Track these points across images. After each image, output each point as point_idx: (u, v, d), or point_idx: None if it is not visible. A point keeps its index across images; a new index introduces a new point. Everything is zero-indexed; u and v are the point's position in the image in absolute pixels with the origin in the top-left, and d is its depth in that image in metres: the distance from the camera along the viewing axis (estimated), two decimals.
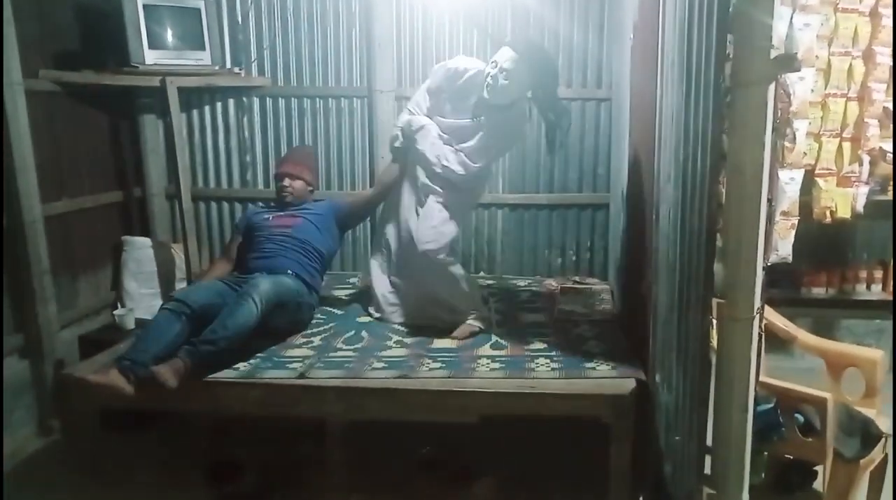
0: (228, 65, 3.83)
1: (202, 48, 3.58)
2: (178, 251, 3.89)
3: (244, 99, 3.94)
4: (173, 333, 2.53)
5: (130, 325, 3.38)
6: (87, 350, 3.10)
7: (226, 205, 4.08)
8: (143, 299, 3.71)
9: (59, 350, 3.20)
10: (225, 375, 2.50)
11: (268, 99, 3.94)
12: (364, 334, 2.95)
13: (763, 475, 2.17)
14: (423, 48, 3.82)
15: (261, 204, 3.60)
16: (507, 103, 2.83)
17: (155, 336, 2.52)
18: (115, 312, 3.51)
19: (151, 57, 3.36)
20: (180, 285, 3.82)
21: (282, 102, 3.94)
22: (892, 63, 2.85)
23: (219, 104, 3.96)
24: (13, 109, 2.94)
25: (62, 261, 3.35)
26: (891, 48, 2.85)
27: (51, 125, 3.29)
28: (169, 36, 3.46)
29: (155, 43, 3.38)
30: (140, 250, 3.79)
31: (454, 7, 3.72)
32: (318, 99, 3.92)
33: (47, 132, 3.25)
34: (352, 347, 2.80)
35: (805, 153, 2.74)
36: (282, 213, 3.22)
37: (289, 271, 2.95)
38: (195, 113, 3.97)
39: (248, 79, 3.87)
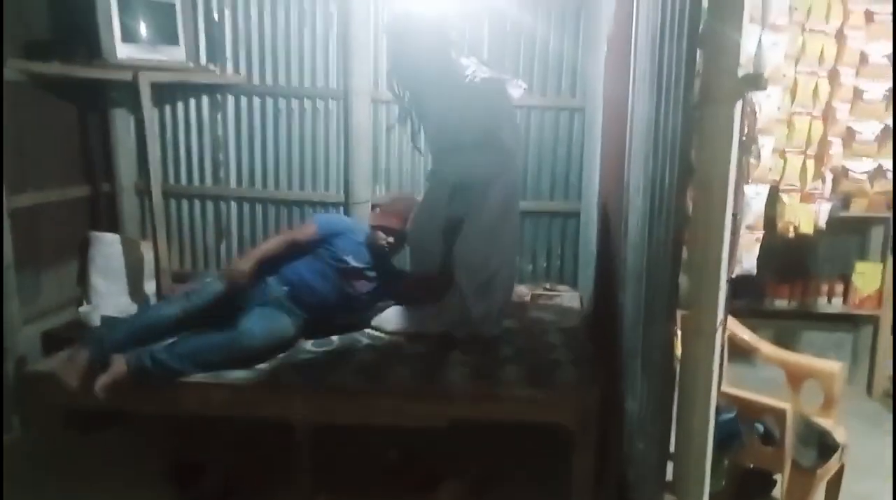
0: (203, 61, 3.79)
1: (176, 43, 3.54)
2: (146, 248, 3.82)
3: (218, 96, 3.90)
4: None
5: (96, 322, 3.33)
6: (51, 347, 3.04)
7: (197, 202, 4.03)
8: (110, 297, 3.64)
9: (21, 347, 3.12)
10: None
11: (242, 97, 3.90)
12: (333, 337, 2.94)
13: (723, 482, 2.21)
14: None
15: (356, 228, 3.06)
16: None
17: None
18: (80, 308, 3.45)
19: (124, 51, 3.31)
20: (149, 283, 3.76)
21: (256, 100, 3.91)
22: (893, 73, 2.92)
23: (192, 100, 3.91)
24: None
25: (27, 255, 3.27)
26: (854, 70, 2.93)
27: (16, 116, 3.21)
28: (142, 30, 3.41)
29: (128, 37, 3.33)
30: (108, 246, 3.72)
31: (431, 12, 3.72)
32: (293, 98, 3.89)
33: (13, 123, 3.17)
34: (321, 349, 2.79)
35: (770, 169, 2.81)
36: (362, 265, 2.92)
37: (297, 319, 2.81)
38: (168, 109, 3.92)
39: (223, 76, 3.83)
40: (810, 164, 3.02)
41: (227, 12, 3.79)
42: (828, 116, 2.99)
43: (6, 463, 2.77)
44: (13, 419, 3.01)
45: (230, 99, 3.91)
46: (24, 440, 2.85)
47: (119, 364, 2.39)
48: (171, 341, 2.55)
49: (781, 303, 3.75)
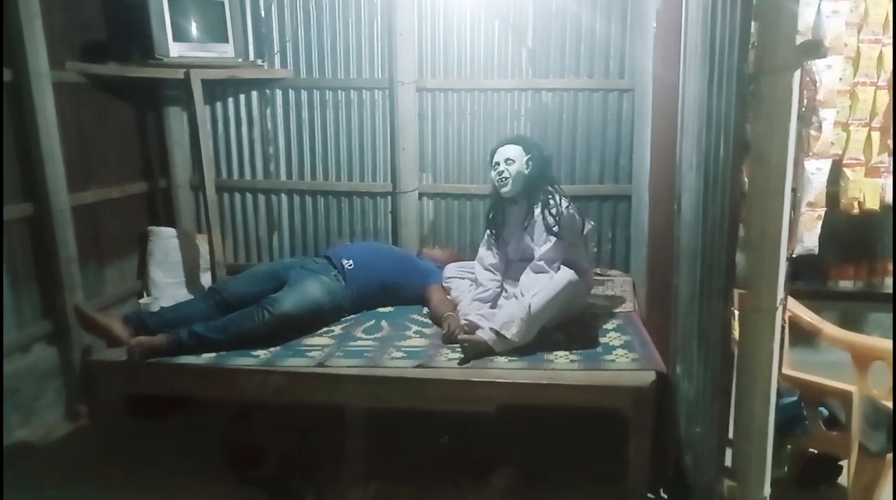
0: (251, 57, 3.85)
1: (226, 41, 3.61)
2: (202, 241, 3.94)
3: (267, 91, 3.97)
4: (194, 309, 2.78)
5: None
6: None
7: (249, 196, 4.11)
8: (168, 288, 3.77)
9: (86, 337, 3.25)
10: (245, 363, 2.54)
11: (290, 91, 3.96)
12: (384, 323, 2.96)
13: (786, 468, 2.15)
14: (444, 39, 3.80)
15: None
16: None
17: (176, 306, 2.85)
18: (140, 300, 3.58)
19: (176, 50, 3.40)
20: (205, 275, 3.87)
21: (304, 93, 3.95)
22: (893, 73, 2.78)
23: (242, 96, 3.99)
24: (41, 99, 2.99)
25: (89, 250, 3.41)
26: None
27: (77, 116, 3.34)
28: (193, 29, 3.49)
29: (179, 36, 3.42)
30: (165, 239, 3.85)
31: None
32: (339, 91, 3.92)
33: (74, 123, 3.31)
34: (371, 336, 2.82)
35: (832, 143, 2.69)
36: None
37: (341, 290, 3.00)
38: (219, 105, 4.00)
39: (271, 71, 3.89)
40: (875, 136, 2.87)
41: (273, 8, 3.85)
42: (894, 85, 2.84)
43: (76, 450, 2.90)
44: (80, 407, 3.15)
45: (279, 93, 3.97)
46: (91, 428, 2.97)
47: (159, 337, 2.56)
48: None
49: (846, 284, 3.61)
